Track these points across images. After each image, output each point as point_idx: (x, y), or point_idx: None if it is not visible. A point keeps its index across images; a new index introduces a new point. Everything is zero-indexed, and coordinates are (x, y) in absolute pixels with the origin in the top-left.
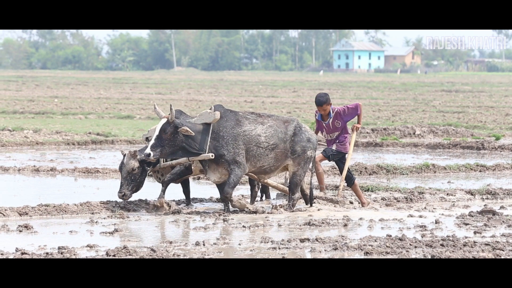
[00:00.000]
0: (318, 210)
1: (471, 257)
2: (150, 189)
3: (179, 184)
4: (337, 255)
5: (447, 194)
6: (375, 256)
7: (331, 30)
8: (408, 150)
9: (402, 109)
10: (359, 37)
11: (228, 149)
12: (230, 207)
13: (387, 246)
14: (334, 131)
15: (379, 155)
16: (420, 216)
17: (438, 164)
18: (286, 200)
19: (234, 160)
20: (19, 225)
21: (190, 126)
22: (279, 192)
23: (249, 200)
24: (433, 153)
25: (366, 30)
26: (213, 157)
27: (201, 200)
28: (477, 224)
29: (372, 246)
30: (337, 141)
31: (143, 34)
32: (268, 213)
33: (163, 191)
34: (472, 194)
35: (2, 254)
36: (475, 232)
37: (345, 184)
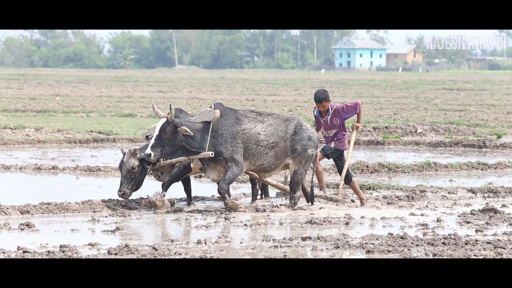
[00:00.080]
0: (320, 208)
1: (472, 256)
2: (150, 188)
3: (180, 182)
4: (338, 253)
5: (449, 192)
6: (376, 255)
7: None
8: (409, 148)
9: (403, 107)
10: (361, 35)
11: (226, 147)
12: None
13: (388, 245)
14: (332, 128)
15: (381, 153)
16: (422, 215)
17: (440, 162)
18: (286, 198)
19: (232, 158)
20: (21, 224)
21: (189, 125)
22: (279, 191)
23: (250, 199)
24: (434, 151)
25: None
26: (213, 155)
27: (203, 199)
28: (478, 223)
29: (373, 244)
30: (335, 139)
31: (145, 32)
32: (270, 211)
33: (164, 194)
34: (473, 193)
35: (4, 252)
36: (476, 231)
37: (344, 183)
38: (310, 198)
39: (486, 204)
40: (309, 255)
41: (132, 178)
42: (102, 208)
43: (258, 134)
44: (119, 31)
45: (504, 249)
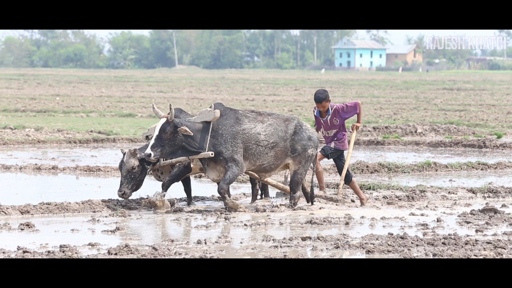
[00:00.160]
0: (320, 208)
1: (472, 256)
2: (150, 188)
3: (180, 182)
4: (338, 253)
5: (449, 192)
6: (376, 255)
7: None
8: (409, 148)
9: (403, 107)
10: (361, 35)
11: (226, 147)
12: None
13: (388, 245)
14: (332, 128)
15: (381, 153)
16: (422, 215)
17: (440, 162)
18: (286, 198)
19: (232, 158)
20: (21, 224)
21: (189, 125)
22: (279, 191)
23: (250, 199)
24: (434, 151)
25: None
26: (213, 155)
27: (203, 199)
28: (478, 223)
29: (373, 244)
30: (335, 139)
31: (145, 32)
32: (270, 211)
33: (164, 194)
34: (473, 193)
35: (4, 252)
36: (476, 231)
37: (344, 183)
38: (310, 198)
39: (486, 204)
40: (309, 255)
41: (132, 178)
42: (102, 208)
43: (258, 134)
44: (119, 31)
45: (504, 249)
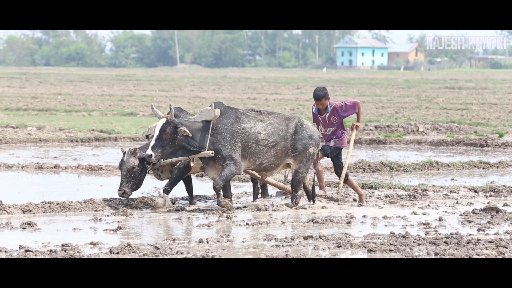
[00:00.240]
0: (322, 207)
1: (474, 255)
2: (150, 187)
3: (182, 182)
4: (340, 252)
5: (451, 191)
6: (378, 254)
7: None
8: (411, 147)
9: (405, 106)
10: (363, 34)
11: (225, 145)
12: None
13: (390, 244)
14: (330, 126)
15: (382, 152)
16: (424, 214)
17: (442, 161)
18: (286, 198)
19: (230, 156)
20: (23, 223)
21: (189, 125)
22: (279, 190)
23: (251, 198)
24: (436, 150)
25: None
26: (213, 154)
27: (204, 198)
28: (480, 222)
29: (375, 243)
30: (334, 137)
31: (147, 31)
32: (272, 210)
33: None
34: (475, 192)
35: (5, 251)
36: (478, 230)
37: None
38: (311, 196)
39: (488, 203)
40: (311, 254)
41: (132, 177)
42: (104, 207)
43: (258, 133)
44: (120, 30)
45: (506, 248)
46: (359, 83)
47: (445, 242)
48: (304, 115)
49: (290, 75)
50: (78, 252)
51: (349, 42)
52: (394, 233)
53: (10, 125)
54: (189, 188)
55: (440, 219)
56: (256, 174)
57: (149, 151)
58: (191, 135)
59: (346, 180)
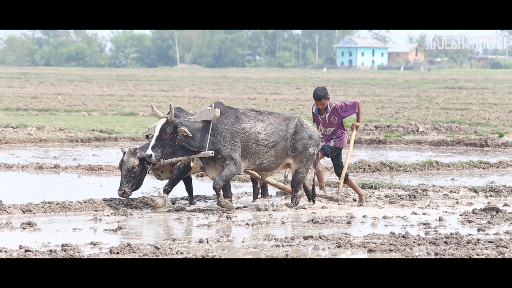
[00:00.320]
0: (322, 207)
1: (474, 255)
2: (150, 187)
3: (182, 182)
4: (340, 252)
5: (451, 191)
6: (378, 254)
7: None
8: (411, 147)
9: (405, 106)
10: (363, 34)
11: (225, 145)
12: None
13: (390, 244)
14: (330, 126)
15: (383, 152)
16: (424, 214)
17: (442, 161)
18: (285, 198)
19: (230, 156)
20: (23, 223)
21: (189, 125)
22: (279, 190)
23: (251, 198)
24: (436, 150)
25: None
26: (213, 155)
27: (204, 198)
28: (480, 222)
29: (375, 243)
30: (334, 137)
31: (147, 31)
32: (272, 210)
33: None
34: (475, 192)
35: (5, 251)
36: (478, 230)
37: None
38: (311, 196)
39: (488, 203)
40: (311, 254)
41: (132, 177)
42: (104, 207)
43: (258, 133)
44: (120, 30)
45: (506, 248)
46: (359, 83)
47: (445, 242)
48: (304, 115)
49: (290, 75)
50: (78, 252)
51: (349, 42)
52: (394, 233)
53: (10, 125)
54: (189, 188)
55: (440, 219)
56: (256, 174)
57: (149, 151)
58: (191, 135)
59: (346, 180)
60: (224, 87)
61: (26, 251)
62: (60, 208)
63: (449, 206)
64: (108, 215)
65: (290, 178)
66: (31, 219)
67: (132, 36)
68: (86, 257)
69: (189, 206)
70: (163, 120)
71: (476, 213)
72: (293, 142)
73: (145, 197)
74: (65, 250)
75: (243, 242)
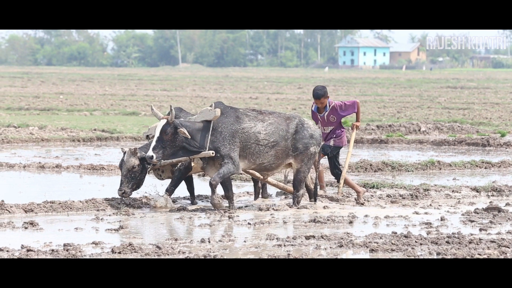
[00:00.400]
0: (324, 207)
1: (476, 255)
2: (150, 187)
3: (183, 181)
4: (342, 252)
5: (453, 191)
6: (380, 254)
7: None
8: (413, 147)
9: (407, 105)
10: (365, 34)
11: (224, 144)
12: (232, 204)
13: (392, 243)
14: (329, 125)
15: (384, 151)
16: (426, 213)
17: (444, 161)
18: (285, 198)
19: (229, 155)
20: (25, 222)
21: (190, 125)
22: (280, 190)
23: (253, 197)
24: (438, 149)
25: None
26: (214, 154)
27: (206, 197)
28: (482, 221)
29: (377, 243)
30: (334, 136)
31: (149, 30)
32: (273, 210)
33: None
34: (477, 191)
35: (7, 251)
36: (480, 229)
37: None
38: (313, 195)
39: (490, 202)
40: (313, 254)
41: (132, 177)
42: (106, 206)
43: (258, 133)
44: (122, 30)
45: (508, 248)
46: (361, 83)
47: (447, 242)
48: (306, 114)
49: (292, 75)
50: (80, 251)
51: (351, 42)
52: (396, 233)
53: (12, 124)
54: (190, 187)
55: (442, 219)
56: (257, 174)
57: (150, 153)
58: (190, 137)
59: (342, 179)
60: (226, 87)
61: (28, 250)
62: (62, 207)
63: (451, 206)
64: (110, 215)
65: (290, 178)
66: (33, 218)
67: (134, 36)
68: (88, 257)
69: (190, 205)
70: (164, 121)
71: (478, 213)
72: (294, 142)
73: (147, 196)
74: (67, 250)
75: (245, 241)
